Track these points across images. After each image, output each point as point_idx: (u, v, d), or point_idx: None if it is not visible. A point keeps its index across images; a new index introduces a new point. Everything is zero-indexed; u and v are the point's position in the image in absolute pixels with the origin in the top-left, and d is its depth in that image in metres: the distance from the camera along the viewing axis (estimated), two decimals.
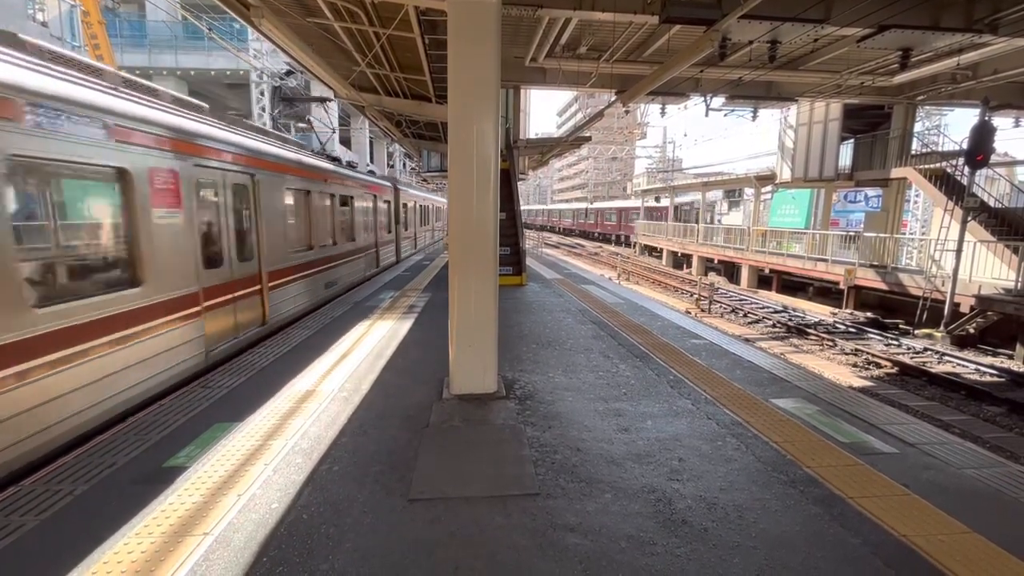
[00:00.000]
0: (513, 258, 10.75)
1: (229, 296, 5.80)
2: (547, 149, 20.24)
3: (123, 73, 4.95)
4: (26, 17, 14.57)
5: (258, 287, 6.52)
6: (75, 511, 2.57)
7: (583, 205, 55.84)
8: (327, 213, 9.34)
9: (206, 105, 6.16)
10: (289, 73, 18.74)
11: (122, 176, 4.17)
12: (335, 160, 11.34)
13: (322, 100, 15.98)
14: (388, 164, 36.31)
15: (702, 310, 15.08)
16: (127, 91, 4.59)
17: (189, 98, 5.95)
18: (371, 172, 16.89)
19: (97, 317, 3.82)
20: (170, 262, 4.71)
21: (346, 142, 29.72)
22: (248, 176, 6.29)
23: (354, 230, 11.10)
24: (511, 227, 10.72)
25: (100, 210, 4.11)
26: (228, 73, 23.04)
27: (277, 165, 7.18)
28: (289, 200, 7.63)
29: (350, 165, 12.43)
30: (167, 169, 4.70)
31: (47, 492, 2.73)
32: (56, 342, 3.46)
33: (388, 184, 15.22)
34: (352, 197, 10.94)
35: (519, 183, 14.11)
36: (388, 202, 14.96)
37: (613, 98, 12.42)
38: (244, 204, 6.26)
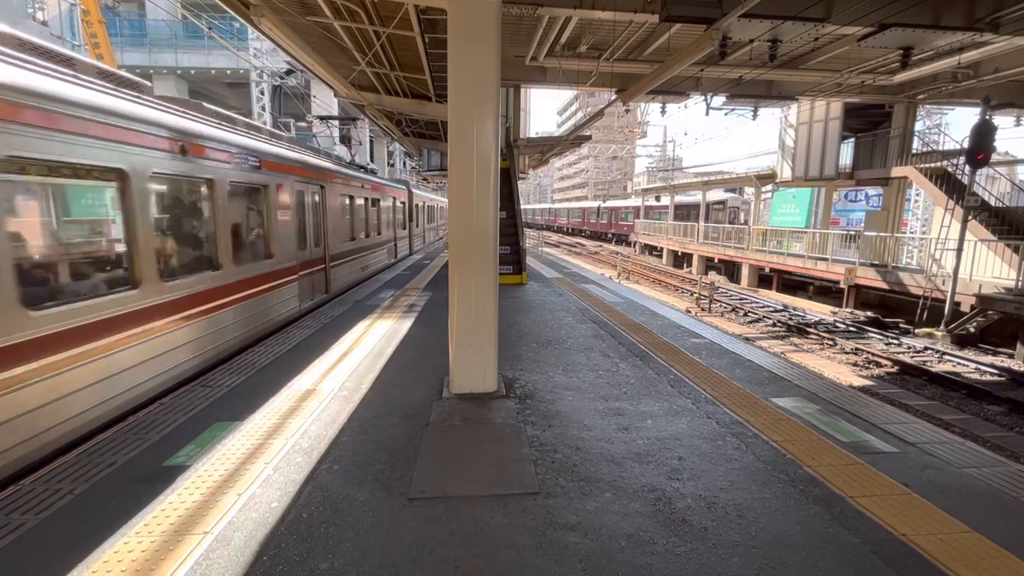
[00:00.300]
0: (513, 257, 10.75)
1: (310, 270, 8.23)
2: (547, 148, 20.23)
3: (266, 127, 7.97)
4: (26, 16, 14.56)
5: (323, 266, 8.91)
6: (75, 510, 2.57)
7: (594, 203, 49.47)
8: (363, 212, 11.79)
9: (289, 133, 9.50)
10: (289, 72, 18.73)
11: (265, 190, 6.62)
12: (365, 169, 13.85)
13: (354, 120, 18.30)
14: (388, 163, 36.28)
15: (702, 309, 15.08)
16: (268, 138, 7.37)
17: (282, 131, 9.13)
18: (402, 181, 19.48)
19: (258, 273, 6.39)
20: (285, 245, 7.19)
21: (346, 140, 29.69)
22: (319, 187, 8.64)
23: (380, 226, 13.53)
24: (511, 226, 10.71)
25: (258, 211, 6.61)
26: (228, 72, 23.03)
27: (337, 177, 9.60)
28: (343, 203, 10.01)
29: (372, 171, 14.87)
30: (284, 184, 7.13)
31: (47, 491, 2.73)
32: (249, 285, 6.13)
33: (403, 188, 17.87)
34: (380, 200, 13.40)
35: (519, 182, 14.12)
36: (403, 203, 17.63)
37: (613, 97, 12.41)
38: (319, 206, 8.65)
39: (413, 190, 19.09)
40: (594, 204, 49.42)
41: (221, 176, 5.47)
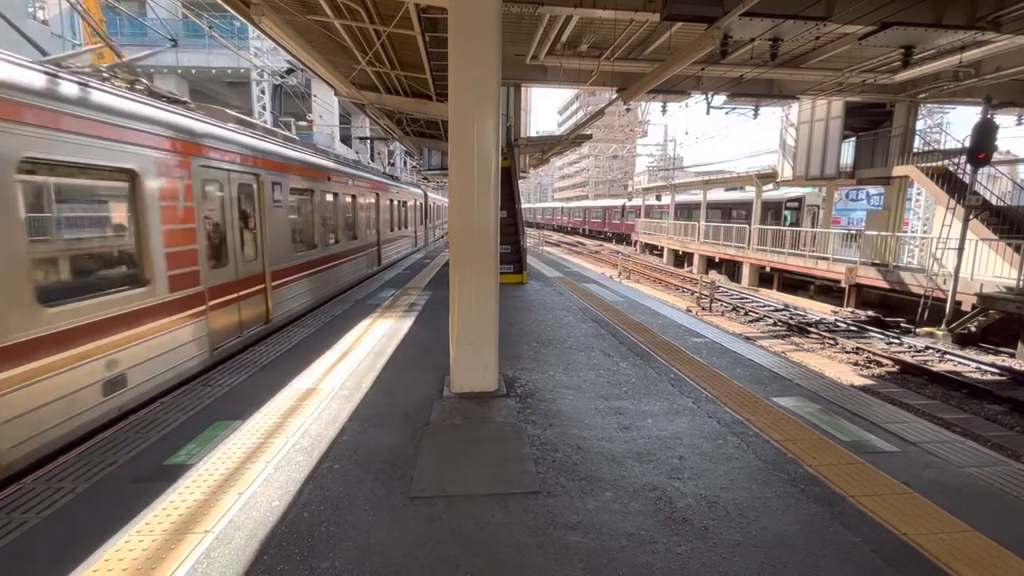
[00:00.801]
0: (514, 256, 10.74)
1: (367, 252, 11.82)
2: (548, 147, 20.22)
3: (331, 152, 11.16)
4: (26, 15, 14.56)
5: (377, 247, 12.90)
6: (77, 509, 2.57)
7: (616, 202, 43.90)
8: (399, 211, 16.49)
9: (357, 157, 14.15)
10: (290, 71, 18.72)
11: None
12: (396, 178, 18.52)
13: (384, 139, 23.43)
14: (389, 162, 36.27)
15: (703, 308, 15.07)
16: (338, 163, 10.07)
17: (346, 152, 16.65)
18: (416, 184, 25.27)
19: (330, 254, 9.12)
20: (363, 231, 11.04)
21: (346, 140, 29.71)
22: (376, 194, 12.77)
23: (406, 223, 17.93)
24: (512, 225, 10.71)
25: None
26: (229, 71, 23.01)
27: (390, 188, 14.81)
28: (391, 204, 14.80)
29: (395, 178, 18.66)
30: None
31: (49, 490, 2.74)
32: (304, 268, 7.76)
33: (421, 191, 22.11)
34: (406, 202, 17.85)
35: (520, 181, 14.11)
36: (421, 204, 21.75)
37: (614, 96, 12.39)
38: (375, 207, 12.65)
39: (428, 193, 23.86)
40: (616, 203, 43.40)
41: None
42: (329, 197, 9.13)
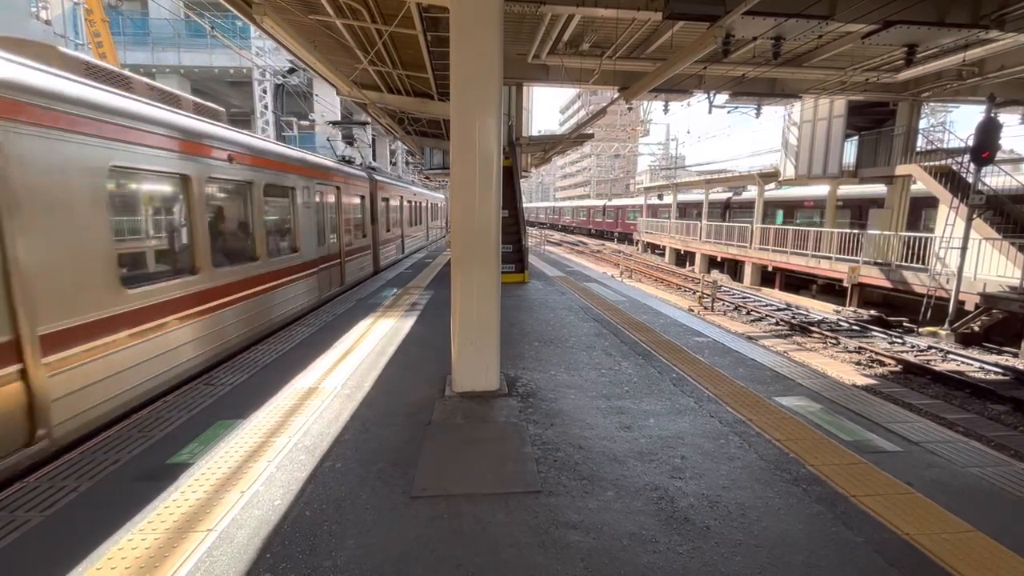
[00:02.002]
0: (515, 256, 10.74)
1: (394, 241, 15.01)
2: (550, 146, 20.20)
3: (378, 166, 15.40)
4: (29, 15, 14.59)
5: (400, 239, 16.09)
6: (79, 508, 2.58)
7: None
8: (421, 211, 20.20)
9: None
10: (292, 71, 18.73)
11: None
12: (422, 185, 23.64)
13: (412, 154, 27.01)
14: (391, 162, 36.26)
15: (705, 308, 15.05)
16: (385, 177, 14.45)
17: (375, 164, 17.11)
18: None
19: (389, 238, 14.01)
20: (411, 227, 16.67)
21: (348, 139, 29.68)
22: (409, 202, 16.95)
23: (427, 220, 22.00)
24: (513, 224, 10.70)
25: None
26: (231, 71, 23.03)
27: (422, 197, 19.96)
28: (419, 206, 18.86)
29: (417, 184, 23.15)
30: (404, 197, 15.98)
31: (52, 488, 2.75)
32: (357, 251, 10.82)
33: (441, 196, 27.23)
34: (430, 203, 22.73)
35: (522, 180, 14.09)
36: (437, 205, 25.84)
37: (616, 95, 12.38)
38: (401, 208, 16.12)
39: (445, 196, 22.51)
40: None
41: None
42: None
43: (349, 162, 12.50)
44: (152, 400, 4.22)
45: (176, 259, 4.95)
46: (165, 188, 4.90)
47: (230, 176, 5.77)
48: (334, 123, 18.33)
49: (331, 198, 9.37)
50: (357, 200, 11.24)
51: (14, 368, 3.12)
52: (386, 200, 14.04)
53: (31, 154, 3.26)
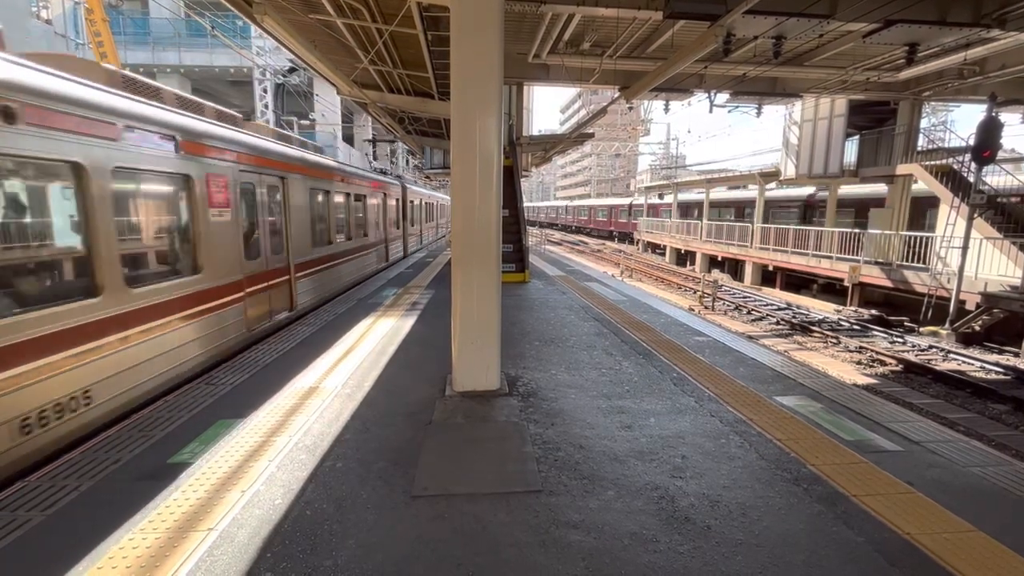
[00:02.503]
0: (516, 255, 10.74)
1: (416, 234, 19.31)
2: (550, 146, 20.19)
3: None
4: (29, 14, 14.59)
5: (420, 233, 20.17)
6: (81, 507, 2.58)
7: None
8: (434, 210, 24.22)
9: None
10: (292, 70, 18.74)
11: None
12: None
13: (413, 153, 29.21)
14: (391, 162, 36.26)
15: (705, 307, 15.04)
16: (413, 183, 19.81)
17: (401, 174, 22.21)
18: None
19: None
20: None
21: (349, 139, 29.73)
22: (427, 203, 22.26)
23: (436, 218, 25.88)
24: (514, 224, 10.70)
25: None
26: (232, 71, 23.02)
27: (435, 198, 25.56)
28: (433, 206, 24.33)
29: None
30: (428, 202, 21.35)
31: (53, 488, 2.75)
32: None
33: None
34: (439, 203, 26.33)
35: (522, 180, 14.10)
36: (446, 205, 28.14)
37: (616, 94, 12.37)
38: (422, 208, 20.58)
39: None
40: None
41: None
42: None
43: (384, 172, 17.02)
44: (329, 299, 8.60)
45: (327, 236, 9.10)
46: (351, 201, 10.61)
47: (345, 190, 10.15)
48: (370, 140, 23.98)
49: (382, 201, 13.60)
50: (394, 202, 15.47)
51: (287, 277, 7.06)
52: (411, 202, 18.29)
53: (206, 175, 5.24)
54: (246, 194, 6.04)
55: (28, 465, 3.19)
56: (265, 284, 6.42)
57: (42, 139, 3.28)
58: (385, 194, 13.46)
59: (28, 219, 3.39)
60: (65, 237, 3.67)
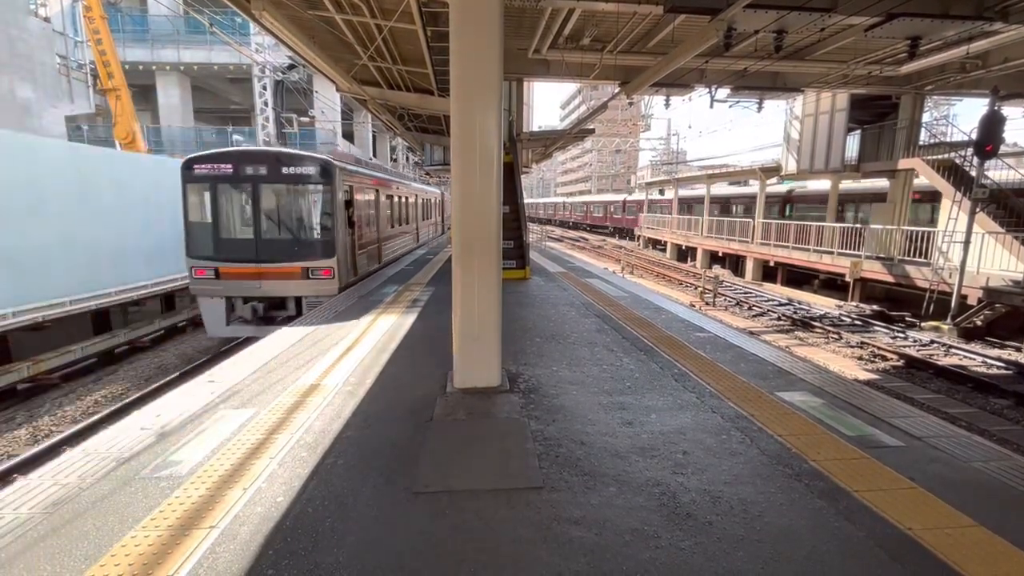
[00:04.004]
0: (516, 252, 10.72)
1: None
2: (550, 142, 20.14)
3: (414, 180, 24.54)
4: (27, 12, 14.55)
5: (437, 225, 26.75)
6: (82, 504, 2.59)
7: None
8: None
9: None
10: (291, 67, 18.67)
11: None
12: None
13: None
14: (391, 158, 36.20)
15: (706, 303, 15.03)
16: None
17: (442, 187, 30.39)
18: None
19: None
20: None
21: (349, 136, 29.65)
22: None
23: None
24: (514, 220, 10.68)
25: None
26: (231, 68, 22.95)
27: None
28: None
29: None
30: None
31: (55, 485, 2.75)
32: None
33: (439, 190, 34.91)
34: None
35: (522, 176, 14.08)
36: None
37: (617, 90, 12.32)
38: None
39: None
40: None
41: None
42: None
43: (428, 181, 25.10)
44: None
45: (394, 222, 14.76)
46: (405, 201, 17.00)
47: (413, 195, 17.60)
48: (418, 164, 28.40)
49: (424, 201, 20.73)
50: (438, 204, 25.09)
51: (377, 244, 12.47)
52: (445, 203, 27.48)
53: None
54: (377, 199, 12.54)
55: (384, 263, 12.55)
56: (378, 242, 12.63)
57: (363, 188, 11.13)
58: (430, 200, 22.57)
59: (373, 212, 12.18)
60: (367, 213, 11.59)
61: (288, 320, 8.34)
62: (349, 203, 9.86)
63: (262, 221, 8.87)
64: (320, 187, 8.92)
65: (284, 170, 8.83)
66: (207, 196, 8.86)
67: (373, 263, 12.00)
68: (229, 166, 8.76)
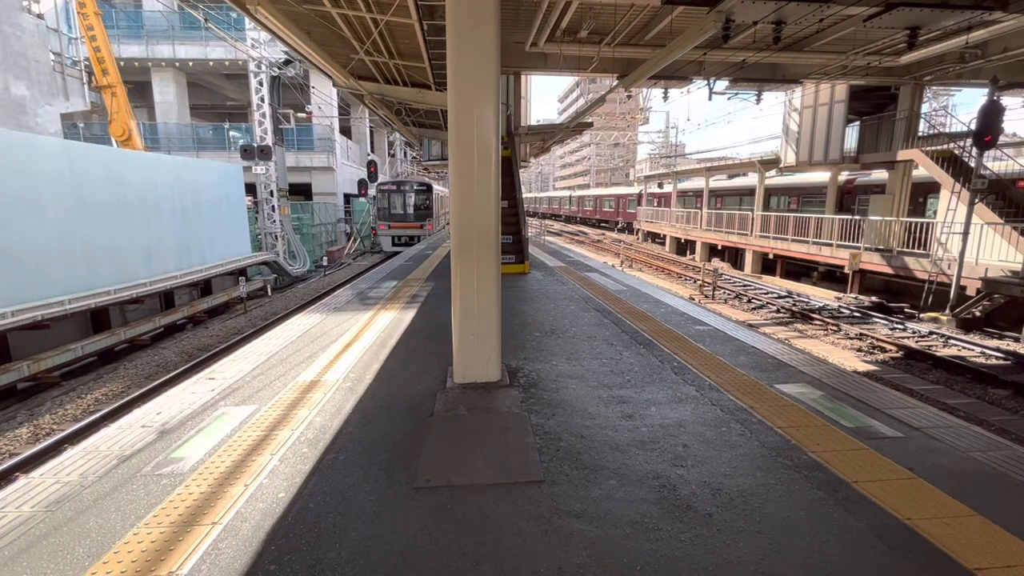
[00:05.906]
0: (515, 246, 10.71)
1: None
2: (549, 136, 20.08)
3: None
4: (20, 8, 14.43)
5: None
6: (84, 502, 2.60)
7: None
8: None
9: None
10: (288, 62, 18.56)
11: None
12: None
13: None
14: (389, 153, 36.09)
15: (706, 296, 15.05)
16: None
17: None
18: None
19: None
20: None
21: (346, 131, 29.54)
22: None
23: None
24: (513, 215, 10.67)
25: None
26: (227, 64, 22.80)
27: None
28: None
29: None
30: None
31: (56, 483, 2.76)
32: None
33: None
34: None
35: (521, 170, 14.05)
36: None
37: (615, 83, 12.27)
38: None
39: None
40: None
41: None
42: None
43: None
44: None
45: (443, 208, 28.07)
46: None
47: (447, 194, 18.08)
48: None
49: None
50: None
51: (427, 228, 23.45)
52: None
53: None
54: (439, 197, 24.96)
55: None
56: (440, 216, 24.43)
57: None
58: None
59: (439, 204, 26.45)
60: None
61: (412, 242, 21.99)
62: (431, 200, 23.08)
63: (408, 206, 23.04)
64: (426, 192, 23.04)
65: (414, 186, 23.20)
66: (385, 197, 22.80)
67: (439, 226, 25.23)
68: (395, 185, 23.43)
